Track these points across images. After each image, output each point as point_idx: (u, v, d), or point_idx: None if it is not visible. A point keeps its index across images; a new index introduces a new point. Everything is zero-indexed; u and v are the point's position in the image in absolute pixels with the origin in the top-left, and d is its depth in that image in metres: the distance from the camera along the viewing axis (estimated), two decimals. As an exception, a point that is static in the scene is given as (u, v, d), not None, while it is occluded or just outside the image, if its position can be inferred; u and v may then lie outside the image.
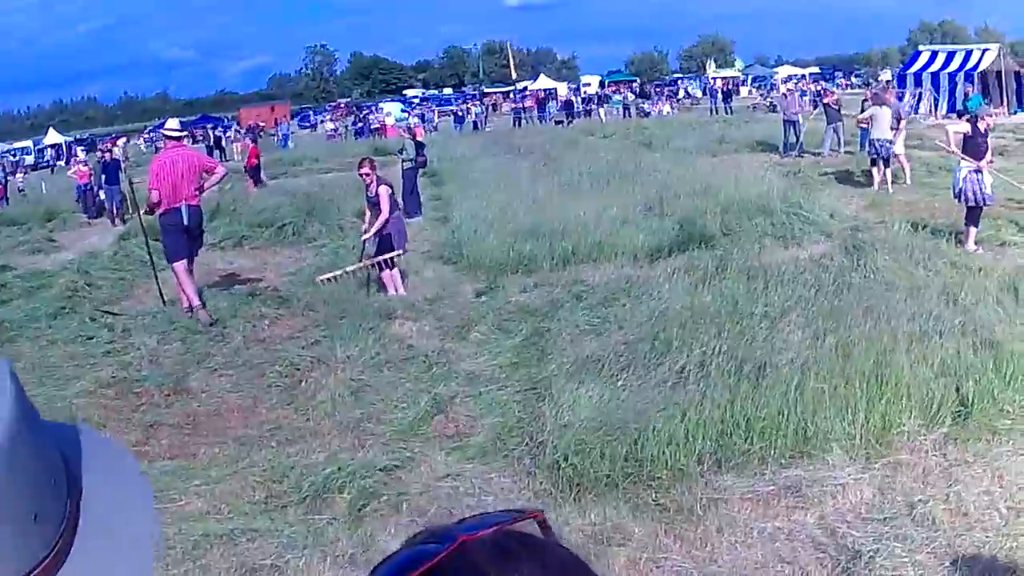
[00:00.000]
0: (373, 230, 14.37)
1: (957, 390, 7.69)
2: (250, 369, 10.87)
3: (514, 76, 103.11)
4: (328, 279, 14.23)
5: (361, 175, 14.94)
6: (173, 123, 14.92)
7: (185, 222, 13.68)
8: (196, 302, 13.61)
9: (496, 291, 13.61)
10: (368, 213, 14.91)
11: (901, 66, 58.75)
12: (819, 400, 7.45)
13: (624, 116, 64.12)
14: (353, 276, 14.39)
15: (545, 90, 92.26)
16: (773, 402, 7.45)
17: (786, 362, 8.18)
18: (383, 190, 14.45)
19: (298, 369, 10.61)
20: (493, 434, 8.22)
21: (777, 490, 6.75)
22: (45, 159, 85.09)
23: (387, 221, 14.39)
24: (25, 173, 58.85)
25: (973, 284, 10.84)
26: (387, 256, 14.49)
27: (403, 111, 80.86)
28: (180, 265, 13.83)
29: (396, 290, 14.33)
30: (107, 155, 30.65)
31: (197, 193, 13.93)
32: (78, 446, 1.23)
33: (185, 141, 14.35)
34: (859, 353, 8.17)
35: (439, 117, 77.95)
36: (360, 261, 14.61)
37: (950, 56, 47.40)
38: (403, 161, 22.71)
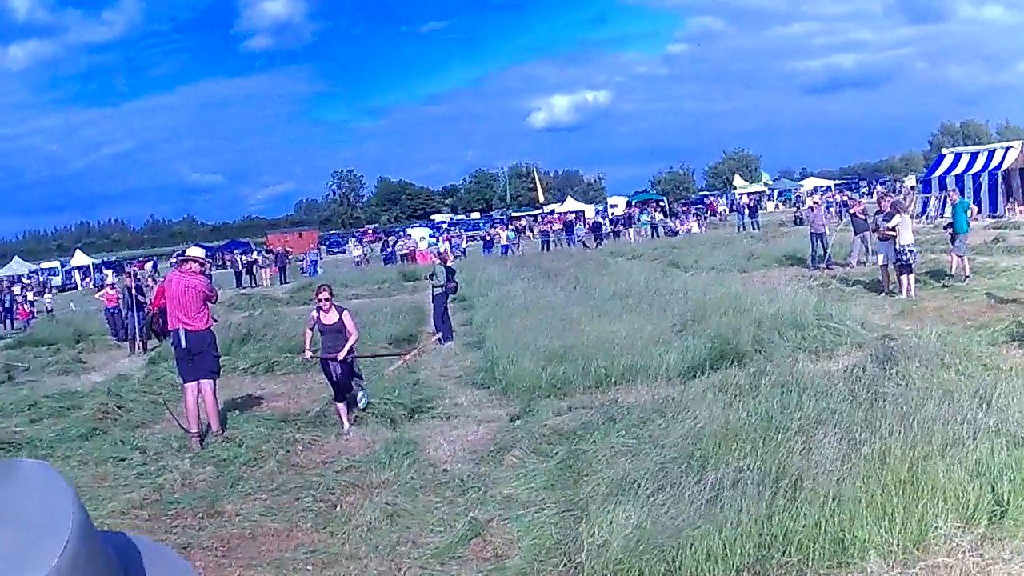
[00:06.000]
0: (345, 351, 14.19)
1: (992, 490, 7.70)
2: (284, 493, 10.92)
3: (541, 199, 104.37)
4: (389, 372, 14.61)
5: (319, 300, 14.61)
6: (196, 251, 15.15)
7: (183, 345, 14.04)
8: (193, 428, 13.79)
9: (530, 414, 13.53)
10: (310, 338, 14.83)
11: (925, 171, 59.12)
12: (856, 509, 7.41)
13: (652, 236, 65.00)
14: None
15: (573, 212, 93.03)
16: (810, 514, 7.40)
17: (822, 473, 8.12)
18: (346, 315, 14.62)
19: (333, 493, 10.65)
20: (530, 556, 8.13)
21: (816, 602, 6.60)
22: (72, 281, 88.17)
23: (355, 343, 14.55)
24: (53, 294, 60.84)
25: (1005, 385, 10.76)
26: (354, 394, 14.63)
27: (431, 236, 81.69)
28: (187, 387, 14.18)
29: (346, 424, 14.07)
30: (128, 279, 31.08)
31: (199, 318, 14.21)
32: (138, 558, 1.34)
33: (195, 267, 14.52)
34: (894, 460, 8.11)
35: (467, 242, 78.60)
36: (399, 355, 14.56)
37: (974, 157, 47.79)
38: (433, 287, 22.96)
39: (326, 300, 14.48)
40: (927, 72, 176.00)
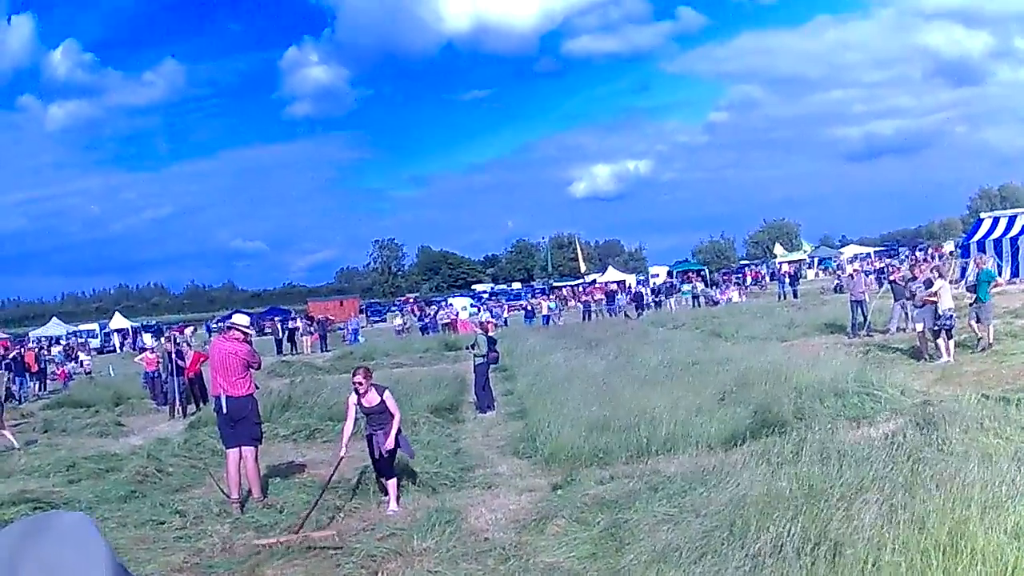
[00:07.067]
0: (393, 432, 13.28)
1: (1030, 551, 7.65)
2: (325, 560, 10.94)
3: (583, 269, 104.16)
4: (267, 544, 12.04)
5: (355, 383, 13.51)
6: (241, 319, 15.25)
7: (224, 411, 14.13)
8: (234, 494, 13.87)
9: (572, 484, 13.50)
10: (349, 425, 13.73)
11: (963, 236, 58.82)
12: (895, 573, 7.41)
13: (694, 305, 64.94)
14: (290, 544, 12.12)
15: (614, 282, 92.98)
16: (849, 580, 7.35)
17: (862, 539, 8.11)
18: (387, 395, 13.59)
19: (374, 560, 10.62)
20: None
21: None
22: (110, 343, 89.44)
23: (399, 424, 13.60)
24: (91, 356, 61.94)
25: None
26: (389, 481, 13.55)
27: (472, 306, 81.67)
28: (229, 452, 14.25)
29: (393, 503, 13.37)
30: (168, 343, 30.92)
31: (240, 385, 14.26)
32: None
33: (238, 333, 14.63)
34: (933, 524, 8.10)
35: (509, 311, 78.62)
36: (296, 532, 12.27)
37: (1011, 220, 47.57)
38: (475, 356, 23.20)
39: (360, 383, 13.47)
40: (965, 136, 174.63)
